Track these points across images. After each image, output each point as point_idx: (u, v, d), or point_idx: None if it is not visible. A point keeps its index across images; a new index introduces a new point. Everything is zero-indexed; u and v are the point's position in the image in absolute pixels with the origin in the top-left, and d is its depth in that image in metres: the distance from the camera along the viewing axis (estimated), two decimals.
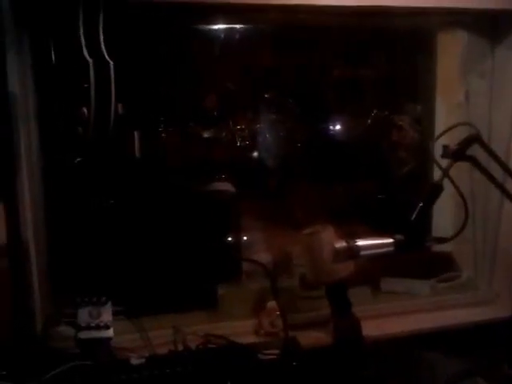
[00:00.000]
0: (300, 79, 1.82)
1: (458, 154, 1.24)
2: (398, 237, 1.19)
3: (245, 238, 1.70)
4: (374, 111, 1.85)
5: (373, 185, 1.90)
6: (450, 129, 1.32)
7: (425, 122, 1.83)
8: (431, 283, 1.69)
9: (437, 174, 1.69)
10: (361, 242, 1.19)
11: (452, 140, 1.32)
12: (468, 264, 1.74)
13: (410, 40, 1.78)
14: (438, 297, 1.67)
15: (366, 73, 1.87)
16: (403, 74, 1.88)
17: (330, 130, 1.89)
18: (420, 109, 1.86)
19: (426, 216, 1.21)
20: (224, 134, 1.79)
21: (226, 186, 1.67)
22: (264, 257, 1.66)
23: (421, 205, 1.20)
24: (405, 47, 1.82)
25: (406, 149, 1.88)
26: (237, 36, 1.65)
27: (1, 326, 1.24)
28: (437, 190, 1.22)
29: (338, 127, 1.89)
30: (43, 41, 1.19)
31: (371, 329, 1.41)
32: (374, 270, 1.62)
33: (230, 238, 1.65)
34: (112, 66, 1.08)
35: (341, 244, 1.19)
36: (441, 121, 1.76)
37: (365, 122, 1.90)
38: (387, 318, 1.55)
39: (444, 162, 1.29)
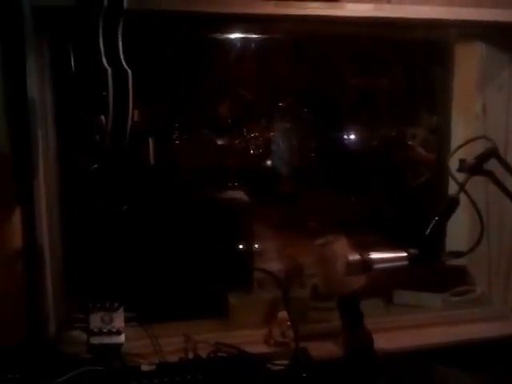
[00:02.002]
0: (315, 89, 1.82)
1: (475, 168, 1.22)
2: (413, 251, 1.18)
3: (257, 246, 1.69)
4: (393, 133, 1.85)
5: (386, 195, 1.89)
6: (467, 143, 1.31)
7: (441, 134, 1.82)
8: (444, 297, 1.67)
9: (452, 187, 1.68)
10: (374, 255, 1.18)
11: (467, 153, 1.31)
12: (482, 278, 1.72)
13: (427, 51, 1.77)
14: (452, 311, 1.64)
15: (382, 83, 1.86)
16: (419, 85, 1.87)
17: (344, 139, 1.88)
18: (436, 121, 1.85)
19: (441, 230, 1.20)
20: (238, 141, 1.79)
21: (239, 194, 1.67)
22: (276, 265, 1.66)
23: (436, 219, 1.18)
24: (421, 58, 1.81)
25: (418, 163, 1.87)
26: (253, 45, 1.66)
27: (14, 329, 1.25)
28: (453, 204, 1.21)
29: (352, 137, 1.88)
30: (63, 47, 1.20)
31: (383, 342, 1.40)
32: (387, 282, 1.60)
33: (242, 247, 1.65)
34: (130, 75, 1.09)
35: (354, 257, 1.18)
36: (457, 133, 1.74)
37: (379, 133, 1.89)
38: (399, 331, 1.53)
39: (459, 176, 1.28)
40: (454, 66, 1.74)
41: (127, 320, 1.30)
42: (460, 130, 1.74)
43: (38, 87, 1.28)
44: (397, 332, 1.53)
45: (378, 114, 1.89)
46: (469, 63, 1.69)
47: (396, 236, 1.71)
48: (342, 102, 1.87)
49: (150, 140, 1.54)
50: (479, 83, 1.67)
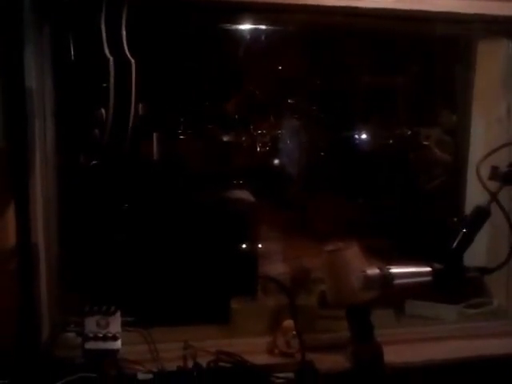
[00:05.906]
0: (326, 85, 1.75)
1: (509, 176, 1.13)
2: (437, 265, 1.09)
3: (262, 248, 1.63)
4: (408, 132, 1.77)
5: (398, 199, 1.81)
6: (500, 148, 1.21)
7: (459, 136, 1.74)
8: (459, 309, 1.59)
9: (470, 192, 1.61)
10: (395, 270, 1.08)
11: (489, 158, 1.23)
12: (499, 290, 1.64)
13: (447, 48, 1.70)
14: (466, 324, 1.57)
15: (397, 81, 1.79)
16: (437, 83, 1.80)
17: (355, 139, 1.81)
18: (454, 121, 1.77)
19: (468, 244, 1.10)
20: (244, 138, 1.74)
21: (244, 195, 1.61)
22: (281, 269, 1.59)
23: (464, 231, 1.09)
24: (441, 55, 1.74)
25: (432, 165, 1.80)
26: (263, 39, 1.60)
27: (5, 332, 1.19)
28: (483, 215, 1.11)
29: (363, 137, 1.81)
30: (63, 35, 1.14)
31: (393, 355, 1.32)
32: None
33: (246, 250, 1.58)
34: (133, 65, 1.01)
35: (373, 271, 1.09)
36: (477, 135, 1.66)
37: (392, 133, 1.82)
38: (411, 345, 1.46)
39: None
40: (476, 65, 1.65)
41: (125, 324, 1.23)
42: (480, 132, 1.66)
43: (36, 77, 1.22)
44: (408, 345, 1.45)
45: (392, 113, 1.81)
46: (493, 62, 1.61)
47: (408, 242, 1.65)
48: (354, 100, 1.79)
49: (155, 135, 1.48)
50: (504, 83, 1.58)
